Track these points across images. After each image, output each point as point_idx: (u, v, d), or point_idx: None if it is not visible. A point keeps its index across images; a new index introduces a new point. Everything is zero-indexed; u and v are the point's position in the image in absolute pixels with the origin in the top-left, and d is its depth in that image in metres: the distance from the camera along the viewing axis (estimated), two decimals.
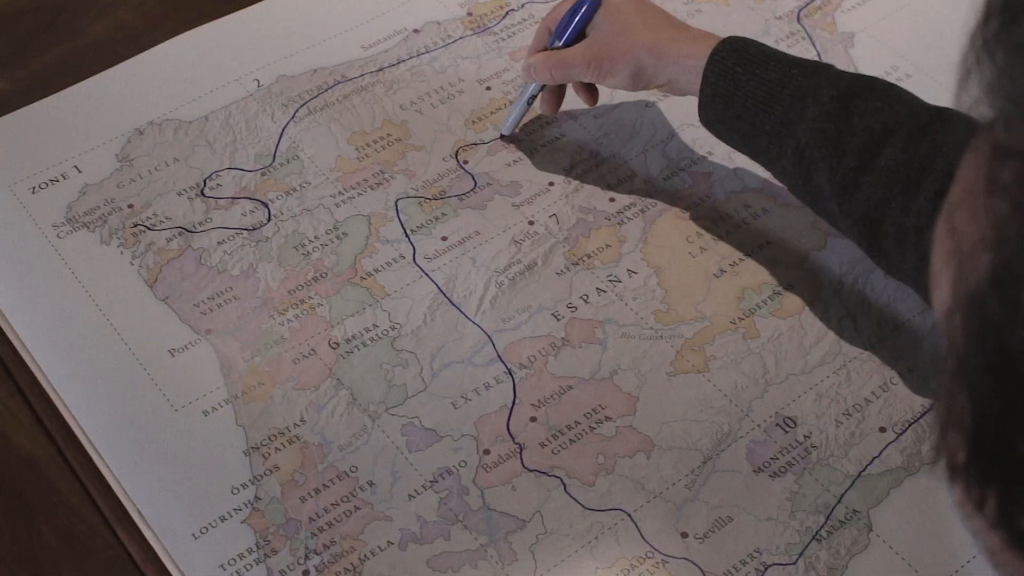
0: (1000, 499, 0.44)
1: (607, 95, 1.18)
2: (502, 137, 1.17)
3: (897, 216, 0.94)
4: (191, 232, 1.08)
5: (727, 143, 1.07)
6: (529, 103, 1.15)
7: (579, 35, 1.11)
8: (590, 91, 1.15)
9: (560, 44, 1.11)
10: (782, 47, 1.15)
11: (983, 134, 0.45)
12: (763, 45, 1.03)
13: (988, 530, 0.45)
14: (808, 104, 0.98)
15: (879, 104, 0.97)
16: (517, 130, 1.17)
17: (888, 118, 0.96)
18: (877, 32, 1.27)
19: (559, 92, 1.16)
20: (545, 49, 1.12)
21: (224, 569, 0.90)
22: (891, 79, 1.06)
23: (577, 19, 1.10)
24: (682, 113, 1.18)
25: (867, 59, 1.23)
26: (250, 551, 0.90)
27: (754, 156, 1.05)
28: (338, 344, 1.01)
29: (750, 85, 1.01)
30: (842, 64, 1.15)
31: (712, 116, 1.04)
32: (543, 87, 1.14)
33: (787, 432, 0.97)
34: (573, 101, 1.16)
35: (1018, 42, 0.43)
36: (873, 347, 1.02)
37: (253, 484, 0.94)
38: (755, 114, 1.01)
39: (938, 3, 1.29)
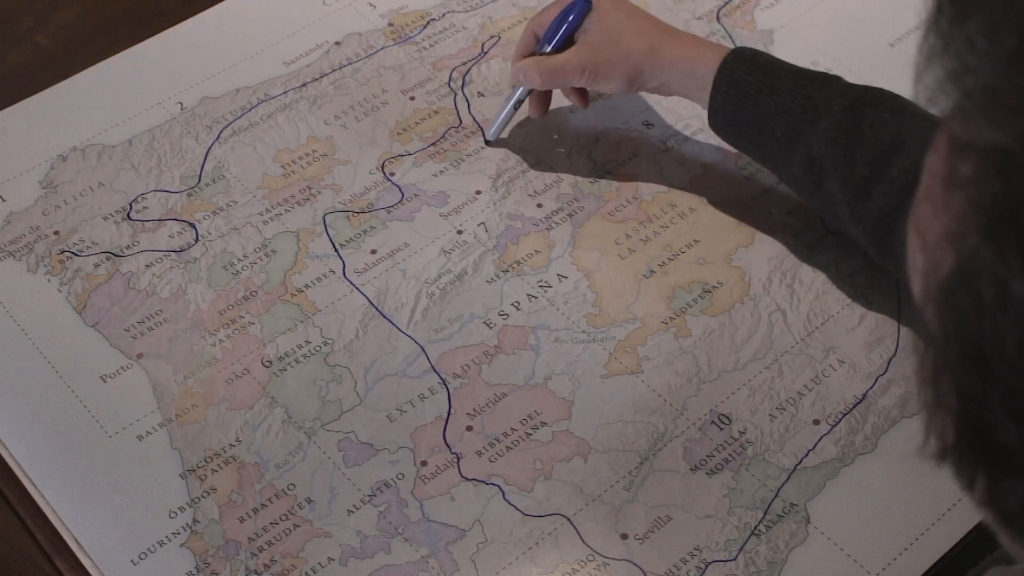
0: (987, 481, 0.46)
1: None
2: (487, 143, 1.17)
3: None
4: (118, 256, 1.07)
5: (736, 147, 1.10)
6: (516, 107, 1.16)
7: (568, 40, 1.11)
8: (581, 94, 1.16)
9: (549, 49, 1.11)
10: None
11: (941, 128, 0.45)
12: (771, 56, 1.06)
13: (979, 507, 0.47)
14: (820, 114, 1.01)
15: (888, 116, 0.99)
16: (504, 135, 1.18)
17: (898, 129, 0.98)
18: (795, 28, 1.28)
19: (547, 96, 1.17)
20: (533, 54, 1.13)
21: None
22: None
23: (567, 25, 1.11)
24: (607, 117, 1.18)
25: (787, 55, 1.23)
26: (190, 574, 0.90)
27: (762, 161, 1.08)
28: (271, 362, 1.01)
29: (761, 94, 1.03)
30: None
31: (722, 122, 1.06)
32: (530, 91, 1.14)
33: (722, 429, 0.98)
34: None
35: (969, 35, 0.43)
36: (804, 340, 1.03)
37: (191, 507, 0.93)
38: (765, 122, 1.03)
39: None
